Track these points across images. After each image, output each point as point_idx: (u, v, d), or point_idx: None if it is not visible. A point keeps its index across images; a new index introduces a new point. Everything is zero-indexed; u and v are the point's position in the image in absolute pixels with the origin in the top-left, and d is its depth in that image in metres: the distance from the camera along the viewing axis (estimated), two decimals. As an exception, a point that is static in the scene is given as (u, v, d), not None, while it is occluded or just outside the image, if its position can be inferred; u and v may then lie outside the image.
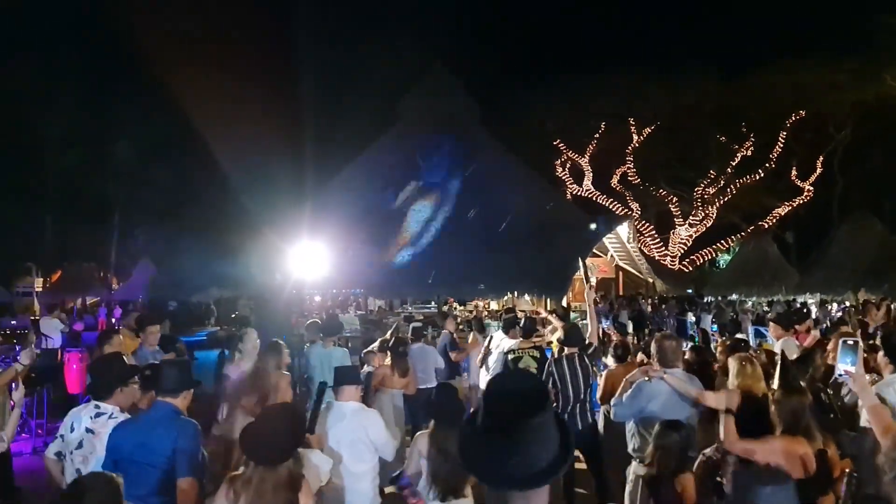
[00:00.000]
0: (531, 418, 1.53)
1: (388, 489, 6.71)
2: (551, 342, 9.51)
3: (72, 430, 3.90)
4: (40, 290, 34.16)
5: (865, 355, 4.15)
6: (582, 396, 6.23)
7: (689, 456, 4.19)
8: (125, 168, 31.40)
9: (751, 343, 10.34)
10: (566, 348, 6.54)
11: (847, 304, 15.04)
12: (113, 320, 24.59)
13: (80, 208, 33.00)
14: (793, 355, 5.85)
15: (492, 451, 1.55)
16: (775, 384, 4.31)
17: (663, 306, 19.44)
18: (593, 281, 26.82)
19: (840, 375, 2.63)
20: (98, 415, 3.91)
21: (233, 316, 22.95)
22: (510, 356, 7.54)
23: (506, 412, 1.55)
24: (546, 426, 1.56)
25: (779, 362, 4.43)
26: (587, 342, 6.65)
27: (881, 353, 4.03)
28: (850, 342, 2.64)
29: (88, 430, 3.86)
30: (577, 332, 6.85)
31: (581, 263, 17.39)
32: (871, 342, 5.68)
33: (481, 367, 8.97)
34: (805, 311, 14.83)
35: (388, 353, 7.31)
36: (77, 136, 31.50)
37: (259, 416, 3.46)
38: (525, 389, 1.61)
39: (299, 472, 3.33)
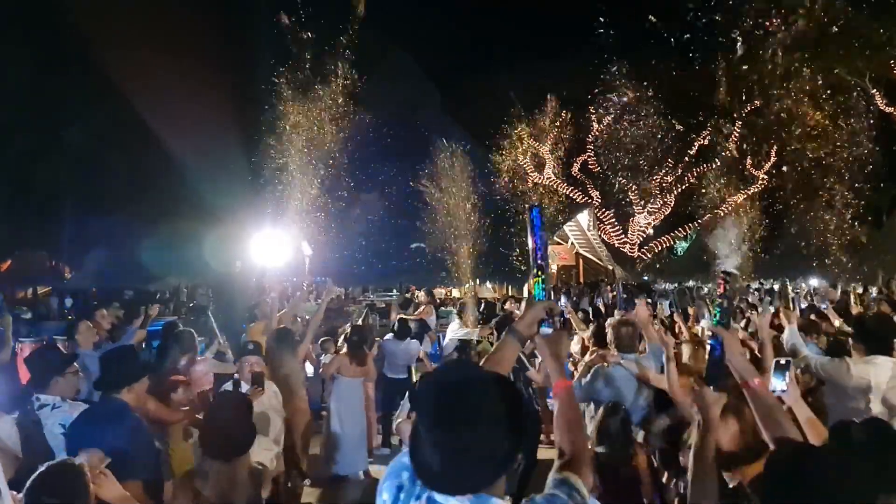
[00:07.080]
0: (467, 412, 1.41)
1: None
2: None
3: None
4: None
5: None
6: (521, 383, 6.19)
7: (632, 434, 4.28)
8: (77, 154, 30.54)
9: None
10: None
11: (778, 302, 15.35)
12: (65, 310, 23.94)
13: (30, 195, 32.04)
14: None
15: (431, 449, 1.43)
16: None
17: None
18: (554, 268, 27.03)
19: (774, 391, 2.83)
20: (40, 407, 3.80)
21: (191, 305, 22.47)
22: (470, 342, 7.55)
23: (440, 406, 1.42)
24: (486, 417, 1.43)
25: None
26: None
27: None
28: (783, 362, 2.92)
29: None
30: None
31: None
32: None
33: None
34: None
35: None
36: (26, 122, 30.52)
37: (211, 407, 3.32)
38: (461, 380, 1.48)
39: (257, 466, 3.17)
